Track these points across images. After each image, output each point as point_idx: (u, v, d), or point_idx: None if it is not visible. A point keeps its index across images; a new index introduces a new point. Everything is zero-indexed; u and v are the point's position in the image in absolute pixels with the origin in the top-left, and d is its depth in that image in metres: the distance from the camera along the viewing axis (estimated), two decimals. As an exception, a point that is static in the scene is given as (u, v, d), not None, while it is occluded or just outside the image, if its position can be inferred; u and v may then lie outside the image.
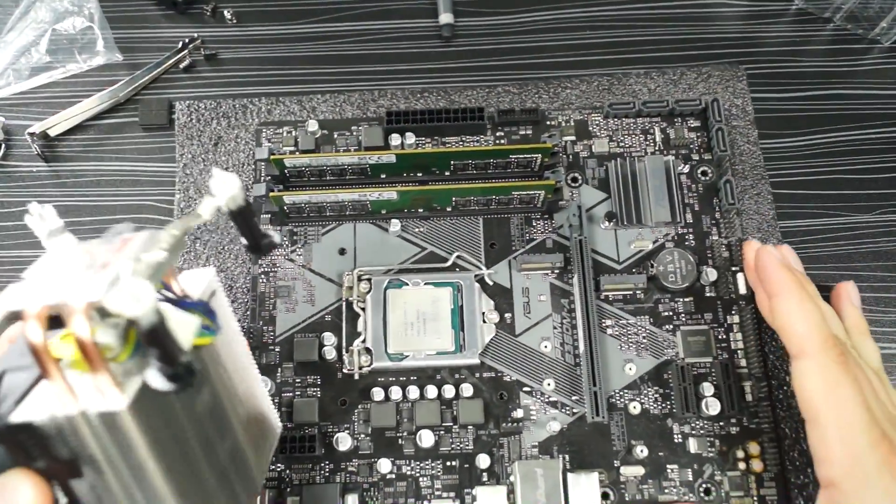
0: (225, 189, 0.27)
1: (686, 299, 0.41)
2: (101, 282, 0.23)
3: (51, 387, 0.22)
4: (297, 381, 0.40)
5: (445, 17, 0.48)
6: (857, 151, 0.45)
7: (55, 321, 0.22)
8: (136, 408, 0.22)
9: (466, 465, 0.39)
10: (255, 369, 0.31)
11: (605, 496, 0.38)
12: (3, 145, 0.46)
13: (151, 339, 0.22)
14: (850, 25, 0.48)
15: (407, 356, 0.40)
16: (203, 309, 0.26)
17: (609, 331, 0.41)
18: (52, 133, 0.46)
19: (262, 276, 0.42)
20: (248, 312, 0.42)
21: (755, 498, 0.38)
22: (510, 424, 0.39)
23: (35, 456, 0.23)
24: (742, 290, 0.41)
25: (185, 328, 0.25)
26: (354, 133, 0.45)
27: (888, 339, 0.42)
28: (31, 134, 0.45)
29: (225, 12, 0.49)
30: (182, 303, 0.26)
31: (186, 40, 0.48)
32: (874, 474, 0.30)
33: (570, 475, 0.37)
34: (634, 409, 0.40)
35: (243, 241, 0.29)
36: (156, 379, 0.23)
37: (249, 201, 0.29)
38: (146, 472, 0.24)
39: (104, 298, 0.22)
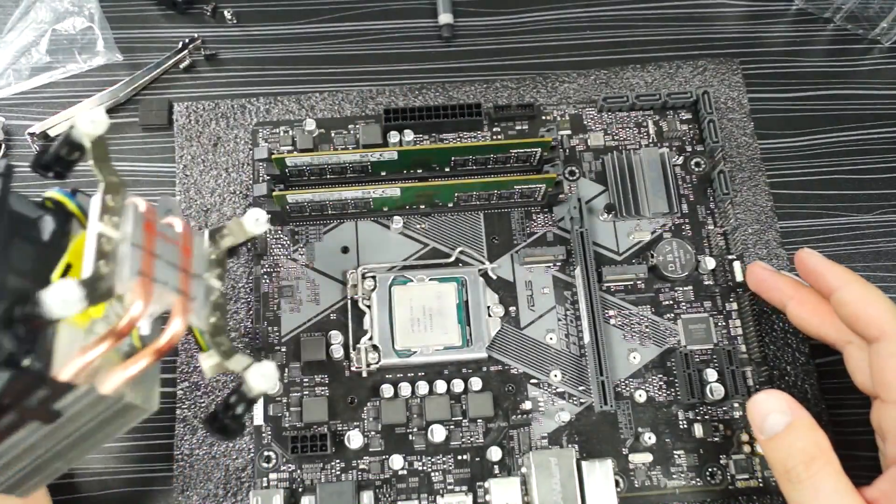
0: (258, 225, 0.28)
1: (685, 288, 0.36)
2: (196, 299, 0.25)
3: (87, 355, 0.21)
4: (305, 380, 0.34)
5: (445, 18, 0.42)
6: (858, 151, 0.40)
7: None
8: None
9: (478, 459, 0.33)
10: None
11: (615, 483, 0.33)
12: (3, 145, 0.40)
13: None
14: (850, 25, 0.42)
15: (415, 352, 0.34)
16: None
17: (612, 321, 0.36)
18: (52, 133, 0.39)
19: (265, 276, 0.36)
20: (252, 313, 0.35)
21: (760, 480, 0.33)
22: (519, 416, 0.34)
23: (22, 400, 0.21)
24: (739, 277, 0.36)
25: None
26: (352, 131, 0.38)
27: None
28: (32, 134, 0.39)
29: (225, 12, 0.42)
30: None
31: (186, 40, 0.41)
32: None
33: (584, 463, 0.32)
34: (640, 397, 0.35)
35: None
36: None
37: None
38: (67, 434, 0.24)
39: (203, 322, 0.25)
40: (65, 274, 0.24)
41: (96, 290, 0.21)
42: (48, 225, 0.24)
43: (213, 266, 0.27)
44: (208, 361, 0.26)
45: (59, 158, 0.25)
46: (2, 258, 0.21)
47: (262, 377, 0.25)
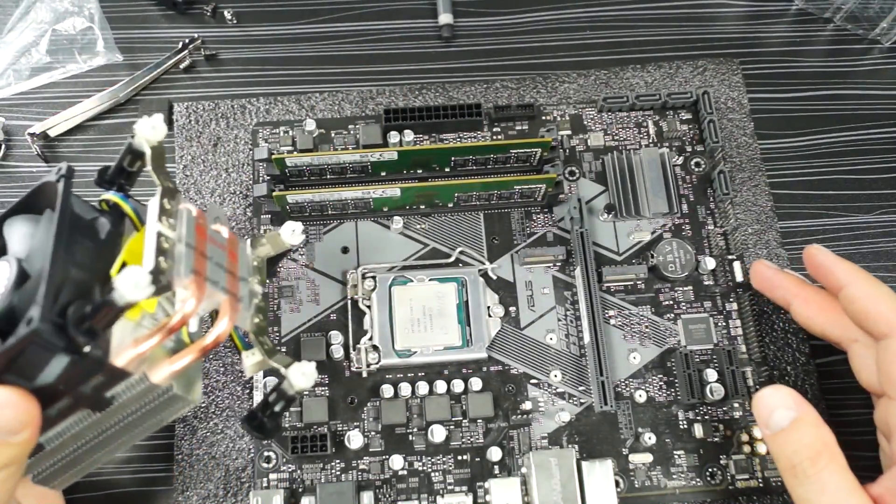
0: (294, 237, 0.30)
1: (685, 288, 0.36)
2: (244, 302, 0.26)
3: (141, 346, 0.23)
4: (306, 380, 0.34)
5: (445, 18, 0.42)
6: (858, 152, 0.40)
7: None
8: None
9: (478, 459, 0.33)
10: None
11: (615, 484, 0.33)
12: (4, 146, 0.40)
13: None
14: (850, 26, 0.42)
15: (415, 352, 0.34)
16: None
17: (612, 321, 0.36)
18: (53, 133, 0.39)
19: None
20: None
21: (760, 480, 0.33)
22: (519, 417, 0.34)
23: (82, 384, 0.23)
24: (739, 278, 0.36)
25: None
26: (352, 131, 0.38)
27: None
28: (32, 134, 0.39)
29: (225, 13, 0.42)
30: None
31: (186, 41, 0.41)
32: None
33: (584, 463, 0.31)
34: (640, 397, 0.34)
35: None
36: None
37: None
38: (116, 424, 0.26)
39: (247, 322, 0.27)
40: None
41: (158, 281, 0.22)
42: (104, 225, 0.26)
43: (255, 272, 0.29)
44: (251, 360, 0.28)
45: (121, 170, 0.26)
46: (67, 254, 0.23)
47: (303, 375, 0.26)
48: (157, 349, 0.24)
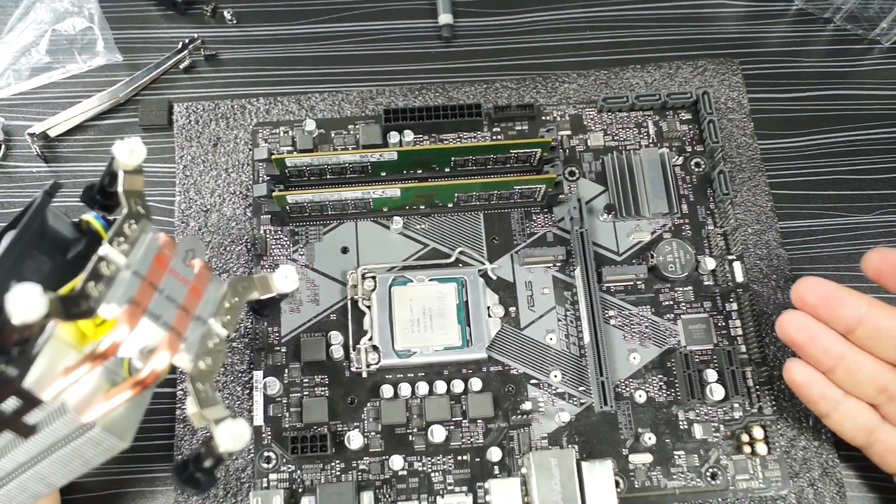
0: (287, 283, 0.28)
1: (685, 288, 0.36)
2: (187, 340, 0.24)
3: (69, 376, 0.22)
4: (305, 381, 0.34)
5: (445, 18, 0.42)
6: (858, 152, 0.39)
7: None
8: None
9: (478, 459, 0.33)
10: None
11: (615, 484, 0.32)
12: (3, 146, 0.40)
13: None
14: (850, 26, 0.41)
15: (415, 352, 0.34)
16: None
17: (612, 321, 0.36)
18: (53, 133, 0.39)
19: (268, 275, 0.36)
20: (252, 313, 0.35)
21: (760, 480, 0.33)
22: (519, 417, 0.34)
23: None
24: (739, 278, 0.36)
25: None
26: (352, 132, 0.38)
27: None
28: (31, 134, 0.39)
29: (225, 13, 0.42)
30: None
31: (186, 41, 0.41)
32: None
33: (584, 464, 0.31)
34: (640, 397, 0.34)
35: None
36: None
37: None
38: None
39: (188, 364, 0.24)
40: None
41: (76, 306, 0.21)
42: (77, 246, 0.25)
43: (224, 313, 0.27)
44: (190, 409, 0.25)
45: (102, 190, 0.26)
46: (14, 267, 0.22)
47: (232, 436, 0.23)
48: (103, 383, 0.23)
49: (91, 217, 0.25)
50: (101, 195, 0.26)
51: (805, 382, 0.30)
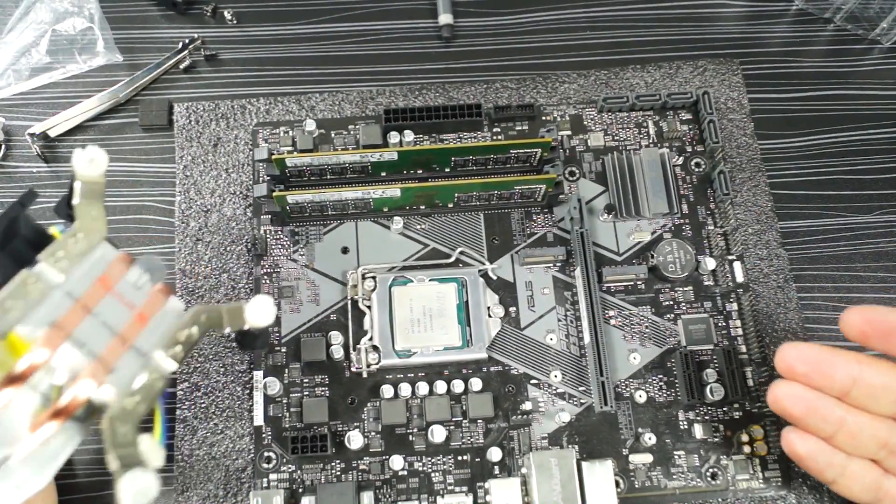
0: (261, 316, 0.25)
1: (685, 288, 0.36)
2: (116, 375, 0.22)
3: None
4: (306, 381, 0.34)
5: (445, 18, 0.41)
6: (858, 152, 0.39)
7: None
8: None
9: (478, 459, 0.33)
10: None
11: (615, 484, 0.32)
12: (4, 146, 0.39)
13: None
14: (850, 26, 0.41)
15: (415, 353, 0.34)
16: None
17: (612, 321, 0.36)
18: (53, 134, 0.39)
19: (266, 277, 0.36)
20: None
21: (760, 480, 0.33)
22: (519, 417, 0.34)
23: None
24: (739, 278, 0.36)
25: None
26: (352, 132, 0.38)
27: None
28: (32, 134, 0.39)
29: (225, 13, 0.42)
30: None
31: (186, 41, 0.41)
32: None
33: (584, 464, 0.31)
34: (640, 397, 0.34)
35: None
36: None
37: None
38: None
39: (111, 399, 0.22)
40: None
41: None
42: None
43: (176, 345, 0.24)
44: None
45: (69, 201, 0.24)
46: None
47: (135, 493, 0.21)
48: (37, 410, 0.21)
49: (56, 230, 0.24)
50: (69, 207, 0.24)
51: (809, 455, 0.28)
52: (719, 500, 0.33)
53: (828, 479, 0.28)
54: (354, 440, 0.33)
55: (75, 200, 0.23)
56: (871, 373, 0.27)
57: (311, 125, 0.38)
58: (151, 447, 0.22)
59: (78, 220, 0.23)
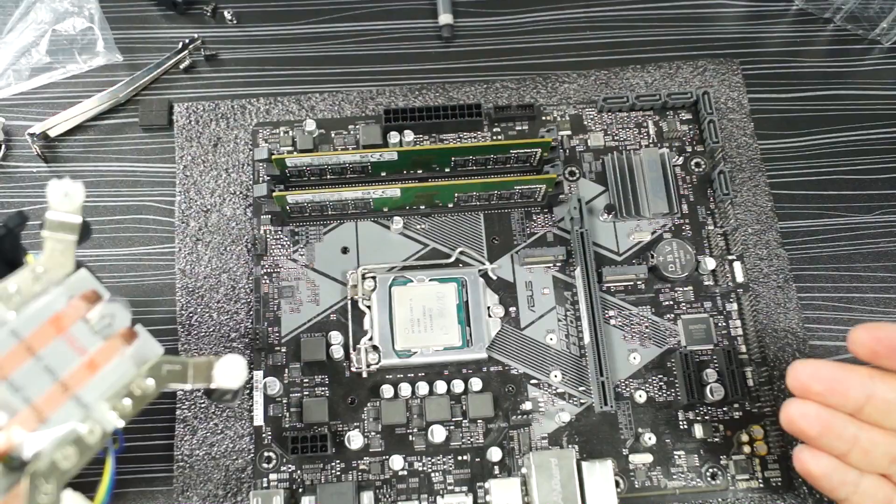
0: (230, 378, 0.23)
1: (685, 288, 0.36)
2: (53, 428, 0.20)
3: None
4: (305, 381, 0.34)
5: (445, 18, 0.42)
6: (858, 152, 0.39)
7: None
8: None
9: (478, 459, 0.33)
10: None
11: (615, 484, 0.32)
12: (4, 146, 0.40)
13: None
14: (850, 26, 0.41)
15: (415, 353, 0.34)
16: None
17: (612, 321, 0.36)
18: (53, 134, 0.39)
19: (265, 277, 0.36)
20: (252, 314, 0.35)
21: (760, 480, 0.33)
22: (519, 417, 0.34)
23: None
24: (739, 278, 0.36)
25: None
26: (352, 132, 0.38)
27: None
28: (32, 134, 0.39)
29: (225, 13, 0.42)
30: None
31: (187, 41, 0.41)
32: None
33: (584, 464, 0.31)
34: (640, 397, 0.34)
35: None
36: None
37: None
38: None
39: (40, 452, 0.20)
40: None
41: None
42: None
43: (126, 397, 0.22)
44: None
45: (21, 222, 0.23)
46: None
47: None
48: None
49: (31, 256, 0.23)
50: (21, 222, 0.24)
51: (823, 475, 0.27)
52: (719, 500, 0.33)
53: (840, 497, 0.28)
54: (354, 440, 0.33)
55: (44, 233, 0.22)
56: (884, 388, 0.26)
57: (311, 125, 0.38)
58: None
59: (44, 255, 0.22)
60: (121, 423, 0.21)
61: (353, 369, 0.34)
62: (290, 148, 0.38)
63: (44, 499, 0.19)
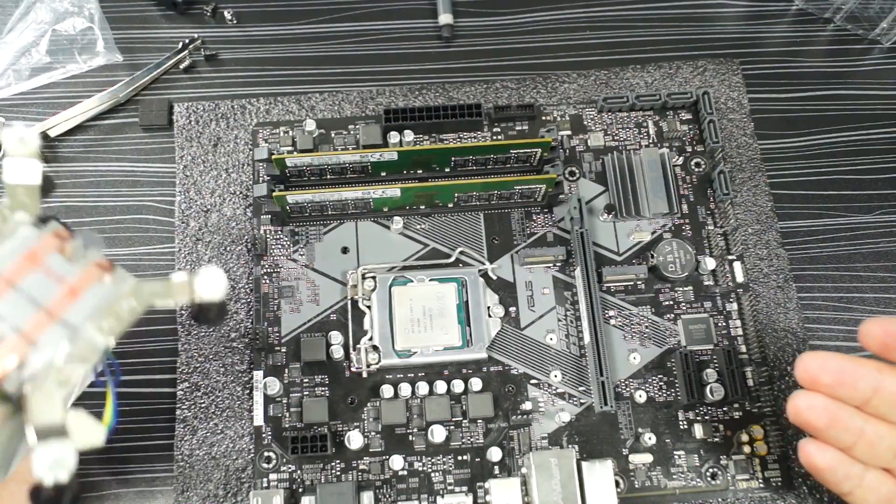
0: (210, 289, 0.24)
1: (685, 288, 0.36)
2: (40, 353, 0.21)
3: None
4: (306, 381, 0.34)
5: (445, 18, 0.42)
6: (858, 152, 0.39)
7: None
8: None
9: (478, 459, 0.33)
10: None
11: (615, 484, 0.32)
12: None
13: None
14: (850, 26, 0.41)
15: (415, 352, 0.34)
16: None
17: (612, 321, 0.36)
18: (53, 134, 0.39)
19: (265, 276, 0.36)
20: (252, 313, 0.35)
21: (760, 480, 0.33)
22: (519, 417, 0.34)
23: None
24: (739, 278, 0.36)
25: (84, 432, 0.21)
26: (352, 132, 0.38)
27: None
28: (31, 135, 0.39)
29: (225, 13, 0.42)
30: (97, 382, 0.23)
31: (186, 41, 0.41)
32: None
33: (584, 464, 0.31)
34: (640, 397, 0.34)
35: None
36: None
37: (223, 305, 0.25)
38: None
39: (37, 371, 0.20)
40: None
41: None
42: None
43: (110, 317, 0.22)
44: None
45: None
46: None
47: (52, 463, 0.20)
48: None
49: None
50: None
51: (828, 467, 0.27)
52: (719, 500, 0.33)
53: (844, 491, 0.28)
54: (354, 440, 0.33)
55: (5, 177, 0.23)
56: (892, 382, 0.26)
57: (311, 125, 0.38)
58: (84, 424, 0.21)
59: (8, 198, 0.23)
60: (109, 340, 0.22)
61: (353, 369, 0.34)
62: (290, 148, 0.38)
63: (41, 416, 0.20)
